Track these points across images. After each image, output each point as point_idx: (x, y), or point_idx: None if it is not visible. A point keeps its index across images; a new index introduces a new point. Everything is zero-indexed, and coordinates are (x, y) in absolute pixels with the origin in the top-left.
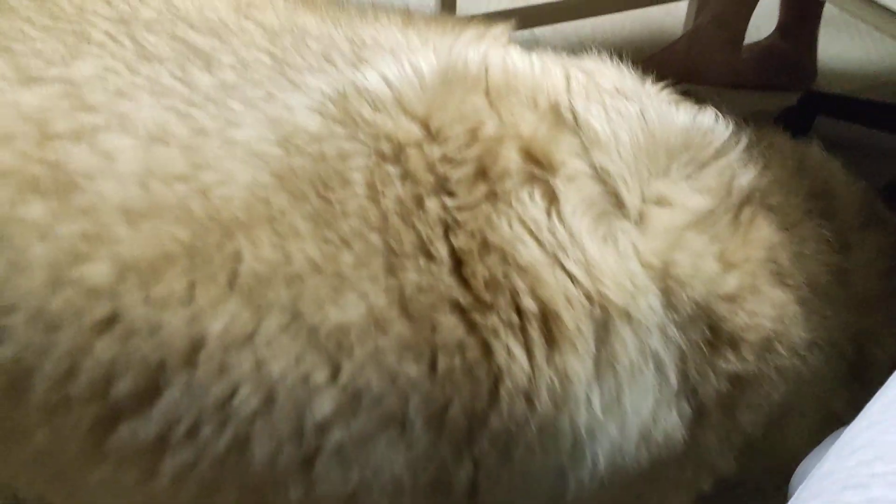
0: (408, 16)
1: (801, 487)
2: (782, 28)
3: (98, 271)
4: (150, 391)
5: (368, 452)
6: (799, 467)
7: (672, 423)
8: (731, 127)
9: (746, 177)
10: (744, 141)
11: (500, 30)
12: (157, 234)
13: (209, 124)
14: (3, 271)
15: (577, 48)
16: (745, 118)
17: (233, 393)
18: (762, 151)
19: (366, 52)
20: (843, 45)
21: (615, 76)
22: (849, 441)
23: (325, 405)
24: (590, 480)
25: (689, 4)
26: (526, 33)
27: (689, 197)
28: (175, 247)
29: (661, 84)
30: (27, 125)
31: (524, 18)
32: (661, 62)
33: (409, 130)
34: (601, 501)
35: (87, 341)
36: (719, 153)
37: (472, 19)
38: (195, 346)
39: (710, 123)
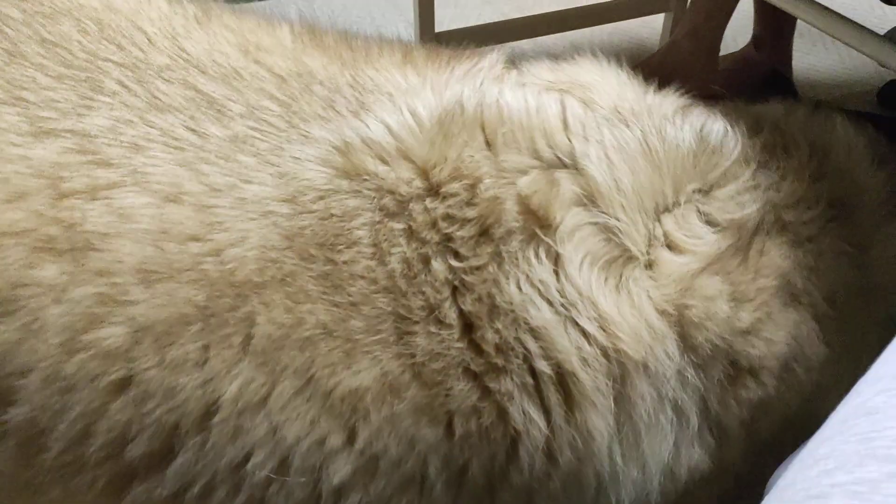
0: (407, 51)
1: (765, 499)
2: (757, 39)
3: (113, 334)
4: (164, 453)
5: None
6: (771, 478)
7: (695, 457)
8: (741, 139)
9: (758, 202)
10: (755, 156)
11: (494, 59)
12: (173, 296)
13: (221, 181)
14: (17, 334)
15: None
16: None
17: (247, 457)
18: (778, 157)
19: (367, 97)
20: (817, 56)
21: (614, 90)
22: (811, 451)
23: (342, 469)
24: None
25: (666, 17)
26: (506, 46)
27: (699, 239)
28: (190, 309)
29: (665, 92)
30: (41, 182)
31: (504, 33)
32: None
33: (412, 184)
34: None
35: (101, 403)
36: (728, 176)
37: (465, 50)
38: (209, 410)
39: (717, 138)
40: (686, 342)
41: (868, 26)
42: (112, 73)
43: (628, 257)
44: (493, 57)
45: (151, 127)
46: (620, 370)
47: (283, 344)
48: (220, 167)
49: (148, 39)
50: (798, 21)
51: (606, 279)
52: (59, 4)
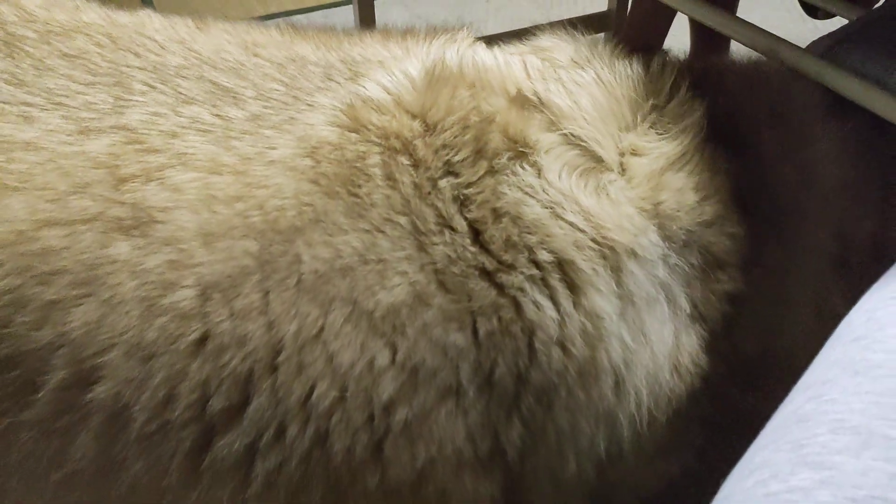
0: (385, 33)
1: None
2: (694, 52)
3: (186, 296)
4: (240, 404)
5: (431, 427)
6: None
7: (693, 347)
8: (676, 66)
9: (700, 109)
10: (688, 76)
11: (464, 33)
12: (231, 251)
13: (250, 151)
14: (98, 312)
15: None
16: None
17: (311, 390)
18: (711, 80)
19: (359, 67)
20: None
21: (570, 48)
22: (747, 461)
23: (389, 387)
24: (640, 420)
25: (606, 37)
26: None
27: (661, 142)
28: (248, 260)
29: (613, 45)
30: (100, 172)
31: None
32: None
33: (412, 127)
34: (655, 447)
35: (183, 365)
36: (672, 92)
37: (438, 29)
38: (276, 351)
39: (658, 67)
40: (664, 232)
41: (801, 40)
42: (136, 76)
43: (602, 166)
44: (465, 32)
45: (182, 117)
46: (613, 255)
47: (328, 276)
48: (246, 141)
49: (160, 45)
50: None
51: (585, 185)
52: (68, 24)
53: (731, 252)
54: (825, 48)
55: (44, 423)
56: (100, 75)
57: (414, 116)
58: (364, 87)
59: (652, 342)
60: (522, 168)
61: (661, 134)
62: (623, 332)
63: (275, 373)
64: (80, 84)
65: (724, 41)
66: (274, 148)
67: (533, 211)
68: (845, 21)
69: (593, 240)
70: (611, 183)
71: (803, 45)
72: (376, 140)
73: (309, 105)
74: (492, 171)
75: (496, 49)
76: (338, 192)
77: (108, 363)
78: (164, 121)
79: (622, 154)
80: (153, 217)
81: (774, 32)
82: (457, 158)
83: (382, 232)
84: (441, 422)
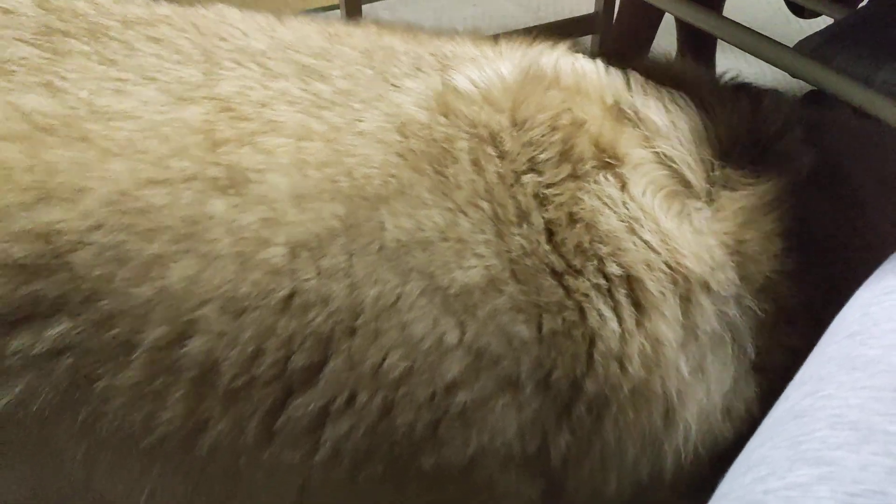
0: (476, 35)
1: None
2: (681, 53)
3: (277, 252)
4: (319, 364)
5: (486, 415)
6: None
7: (750, 394)
8: (792, 108)
9: (805, 160)
10: (801, 122)
11: (567, 45)
12: (320, 213)
13: (339, 121)
14: (196, 267)
15: None
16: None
17: (384, 358)
18: (824, 131)
19: (450, 62)
20: (739, 69)
21: (676, 71)
22: (745, 458)
23: (454, 367)
24: (685, 454)
25: (593, 39)
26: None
27: (755, 179)
28: (335, 223)
29: (720, 74)
30: (197, 136)
31: None
32: None
33: (500, 120)
34: (690, 485)
35: (272, 321)
36: (782, 135)
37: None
38: (356, 314)
39: (772, 105)
40: (742, 271)
41: (787, 40)
42: (223, 55)
43: (690, 192)
44: (566, 44)
45: (270, 90)
46: (684, 283)
47: (409, 247)
48: (335, 112)
49: (242, 32)
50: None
51: (669, 207)
52: (146, 16)
53: (805, 307)
54: (813, 47)
55: (137, 387)
56: (187, 55)
57: (502, 111)
58: (454, 79)
59: (710, 380)
60: (605, 178)
61: (758, 172)
62: (681, 363)
63: (353, 336)
64: (170, 62)
65: (710, 41)
66: (362, 121)
67: (608, 222)
68: (831, 21)
69: (666, 263)
70: (696, 210)
71: (790, 45)
72: (465, 127)
73: (397, 87)
74: (574, 176)
75: (599, 60)
76: (424, 169)
77: (203, 317)
78: (254, 93)
79: (712, 183)
80: (247, 177)
81: (761, 32)
82: (542, 157)
83: (464, 213)
84: (497, 412)
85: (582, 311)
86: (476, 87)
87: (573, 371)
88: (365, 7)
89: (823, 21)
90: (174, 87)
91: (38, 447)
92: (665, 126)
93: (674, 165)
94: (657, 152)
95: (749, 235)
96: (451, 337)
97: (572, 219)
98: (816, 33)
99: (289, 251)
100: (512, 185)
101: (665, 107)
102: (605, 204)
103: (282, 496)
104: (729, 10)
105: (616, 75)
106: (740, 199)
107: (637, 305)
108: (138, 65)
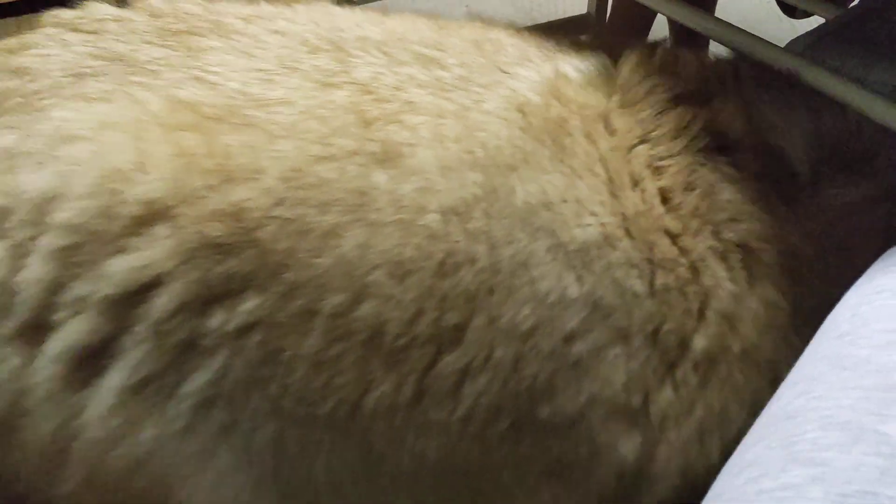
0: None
1: None
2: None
3: (434, 219)
4: (465, 322)
5: (598, 365)
6: None
7: None
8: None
9: None
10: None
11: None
12: (463, 180)
13: (466, 102)
14: (365, 234)
15: None
16: None
17: (516, 314)
18: None
19: (556, 54)
20: None
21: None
22: (738, 459)
23: (572, 319)
24: None
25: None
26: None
27: (856, 180)
28: (476, 189)
29: None
30: (350, 116)
31: None
32: None
33: (609, 103)
34: None
35: (429, 282)
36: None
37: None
38: (495, 272)
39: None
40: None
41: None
42: (349, 45)
43: (797, 179)
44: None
45: (399, 75)
46: (794, 261)
47: (535, 209)
48: (460, 94)
49: (357, 25)
50: None
51: (781, 192)
52: (258, 13)
53: None
54: (804, 47)
55: (317, 355)
56: (315, 45)
57: (610, 95)
58: (561, 67)
59: None
60: (721, 157)
61: (855, 174)
62: (791, 332)
63: (492, 294)
64: (302, 53)
65: (702, 41)
66: (484, 101)
67: (727, 192)
68: (822, 20)
69: (778, 239)
70: (802, 198)
71: (782, 45)
72: (575, 109)
73: (509, 74)
74: (690, 149)
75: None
76: (544, 140)
77: (374, 282)
78: (386, 78)
79: (816, 178)
80: (401, 151)
81: (753, 32)
82: (654, 133)
83: (581, 177)
84: (608, 362)
85: (696, 270)
86: (582, 73)
87: (683, 327)
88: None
89: (816, 21)
90: (315, 74)
91: (227, 429)
92: (781, 122)
93: (787, 157)
94: (769, 142)
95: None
96: (572, 290)
97: (689, 186)
98: (807, 33)
99: (441, 217)
100: (624, 156)
101: (779, 104)
102: (724, 178)
103: (424, 457)
104: (721, 10)
105: (724, 66)
106: (840, 196)
107: (749, 272)
108: (275, 56)
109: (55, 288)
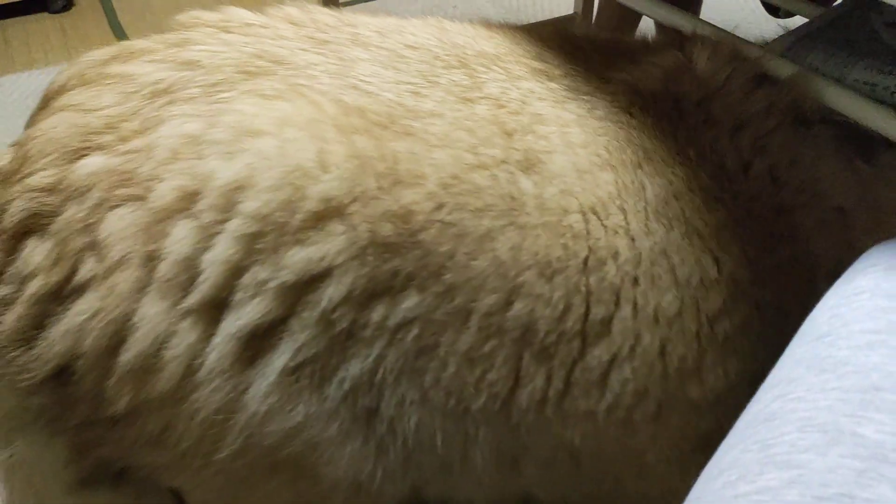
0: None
1: None
2: None
3: (576, 220)
4: (610, 315)
5: (744, 342)
6: None
7: None
8: None
9: None
10: None
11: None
12: (597, 181)
13: (580, 111)
14: (518, 238)
15: None
16: None
17: (660, 300)
18: None
19: (638, 57)
20: None
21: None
22: (716, 462)
23: (717, 298)
24: None
25: None
26: None
27: None
28: (609, 187)
29: None
30: (493, 127)
31: None
32: None
33: (699, 93)
34: None
35: (576, 279)
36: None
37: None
38: (637, 263)
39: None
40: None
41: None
42: (473, 62)
43: (866, 154)
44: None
45: (521, 90)
46: (881, 210)
47: (666, 199)
48: (575, 104)
49: (472, 40)
50: None
51: (863, 159)
52: (391, 27)
53: None
54: (785, 47)
55: (470, 352)
56: (447, 61)
57: (698, 85)
58: (646, 66)
59: None
60: (805, 129)
61: None
62: None
63: (636, 284)
64: (439, 68)
65: None
66: (596, 108)
67: (822, 161)
68: (805, 20)
69: (868, 196)
70: (886, 154)
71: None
72: (672, 103)
73: (606, 80)
74: (784, 126)
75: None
76: (659, 136)
77: (526, 282)
78: (511, 92)
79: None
80: (540, 158)
81: (737, 33)
82: (748, 116)
83: (701, 166)
84: (750, 339)
85: (808, 240)
86: (664, 69)
87: (803, 296)
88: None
89: (799, 21)
90: (454, 89)
91: (371, 415)
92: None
93: (859, 128)
94: (838, 121)
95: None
96: (712, 272)
97: (791, 162)
98: (788, 33)
99: (582, 216)
100: (730, 140)
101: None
102: (813, 149)
103: (570, 445)
104: (706, 11)
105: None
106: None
107: (847, 233)
108: (416, 70)
109: (238, 271)
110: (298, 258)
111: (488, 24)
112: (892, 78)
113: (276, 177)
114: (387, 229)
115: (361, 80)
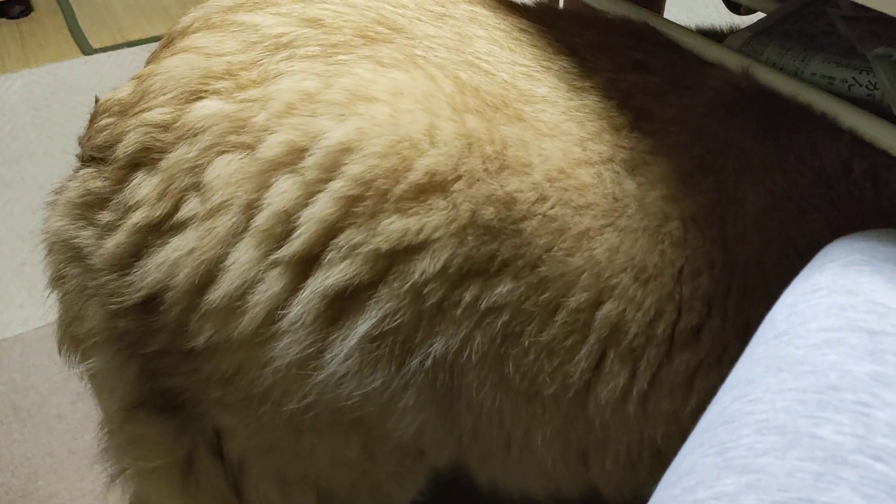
0: None
1: None
2: None
3: (676, 225)
4: (701, 322)
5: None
6: None
7: None
8: None
9: None
10: None
11: None
12: (699, 186)
13: (681, 107)
14: (616, 240)
15: None
16: None
17: (751, 313)
18: None
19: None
20: None
21: None
22: (675, 468)
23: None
24: None
25: None
26: None
27: None
28: (710, 194)
29: None
30: (602, 121)
31: None
32: None
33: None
34: None
35: (670, 287)
36: None
37: None
38: (732, 275)
39: None
40: None
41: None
42: (582, 50)
43: None
44: None
45: (627, 82)
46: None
47: (765, 210)
48: (674, 97)
49: (569, 32)
50: None
51: None
52: (501, 6)
53: None
54: (743, 41)
55: (553, 342)
56: (558, 48)
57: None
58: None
59: None
60: None
61: None
62: None
63: (728, 296)
64: (551, 54)
65: None
66: (696, 105)
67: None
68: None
69: None
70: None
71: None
72: (771, 98)
73: (706, 74)
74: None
75: None
76: (761, 138)
77: (619, 284)
78: (619, 84)
79: None
80: (646, 160)
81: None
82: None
83: (800, 172)
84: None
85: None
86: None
87: None
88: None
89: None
90: (565, 76)
91: (447, 392)
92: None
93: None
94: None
95: None
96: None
97: (891, 162)
98: (746, 28)
99: (682, 224)
100: (832, 141)
101: None
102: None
103: (651, 443)
104: (669, 9)
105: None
106: None
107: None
108: (530, 53)
109: (332, 230)
110: (395, 227)
111: (590, 10)
112: (849, 70)
113: (385, 144)
114: (489, 213)
115: (478, 58)
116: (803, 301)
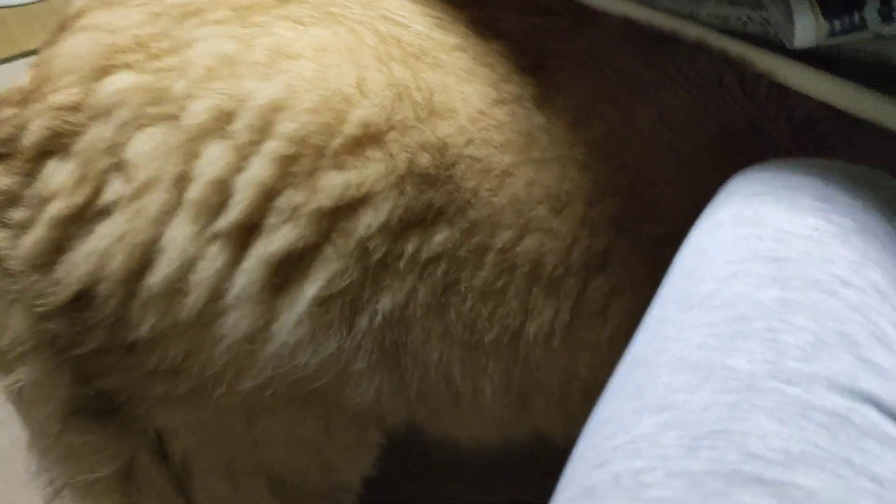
0: None
1: (561, 478)
2: None
3: (582, 151)
4: (610, 245)
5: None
6: None
7: None
8: None
9: None
10: None
11: None
12: (597, 116)
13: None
14: (532, 173)
15: None
16: None
17: (655, 230)
18: None
19: None
20: None
21: None
22: (595, 417)
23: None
24: None
25: None
26: None
27: None
28: (602, 126)
29: None
30: (510, 63)
31: None
32: None
33: None
34: None
35: (582, 212)
36: None
37: None
38: (634, 198)
39: None
40: None
41: None
42: (491, 2)
43: None
44: None
45: (528, 24)
46: None
47: (655, 126)
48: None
49: None
50: None
51: None
52: None
53: None
54: None
55: (485, 287)
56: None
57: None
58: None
59: None
60: None
61: None
62: None
63: (632, 215)
64: (458, 5)
65: None
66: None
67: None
68: None
69: None
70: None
71: None
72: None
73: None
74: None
75: None
76: (644, 62)
77: (536, 217)
78: (522, 27)
79: None
80: (550, 94)
81: None
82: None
83: (682, 87)
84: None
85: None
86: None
87: None
88: None
89: None
90: (473, 25)
91: (397, 350)
92: None
93: None
94: None
95: None
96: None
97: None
98: None
99: (586, 149)
100: (709, 55)
101: None
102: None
103: (575, 375)
104: None
105: None
106: None
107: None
108: (440, 6)
109: (271, 194)
110: (336, 183)
111: None
112: (742, 9)
113: (316, 99)
114: (425, 160)
115: (391, 12)
116: (708, 237)
